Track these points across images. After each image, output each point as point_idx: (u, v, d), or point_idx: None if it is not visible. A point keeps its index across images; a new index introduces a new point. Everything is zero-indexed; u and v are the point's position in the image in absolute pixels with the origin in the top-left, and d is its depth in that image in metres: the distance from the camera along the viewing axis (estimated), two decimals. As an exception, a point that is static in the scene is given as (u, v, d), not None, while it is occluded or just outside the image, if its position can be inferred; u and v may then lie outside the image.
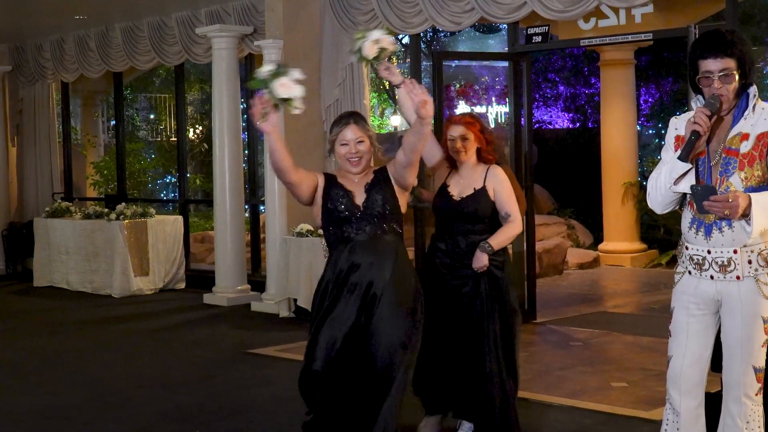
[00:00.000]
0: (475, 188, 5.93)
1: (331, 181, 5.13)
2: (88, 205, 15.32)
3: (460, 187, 5.97)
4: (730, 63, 4.35)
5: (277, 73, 4.71)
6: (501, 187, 5.96)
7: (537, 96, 19.89)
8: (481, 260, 5.80)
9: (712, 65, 4.37)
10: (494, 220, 5.97)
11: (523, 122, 10.54)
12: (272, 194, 11.42)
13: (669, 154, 4.50)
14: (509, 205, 5.94)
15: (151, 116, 22.27)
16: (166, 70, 19.55)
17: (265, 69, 4.73)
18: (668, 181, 4.43)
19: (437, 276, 5.90)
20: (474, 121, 6.04)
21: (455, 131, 5.98)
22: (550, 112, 20.41)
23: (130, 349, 9.81)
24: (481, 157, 6.03)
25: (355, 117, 5.18)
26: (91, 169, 17.77)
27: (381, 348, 4.93)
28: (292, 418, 6.52)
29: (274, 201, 11.42)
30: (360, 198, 5.06)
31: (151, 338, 10.37)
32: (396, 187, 5.11)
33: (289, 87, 4.70)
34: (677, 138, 4.51)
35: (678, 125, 4.54)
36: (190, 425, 6.95)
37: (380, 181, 5.11)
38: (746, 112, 4.42)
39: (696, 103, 4.51)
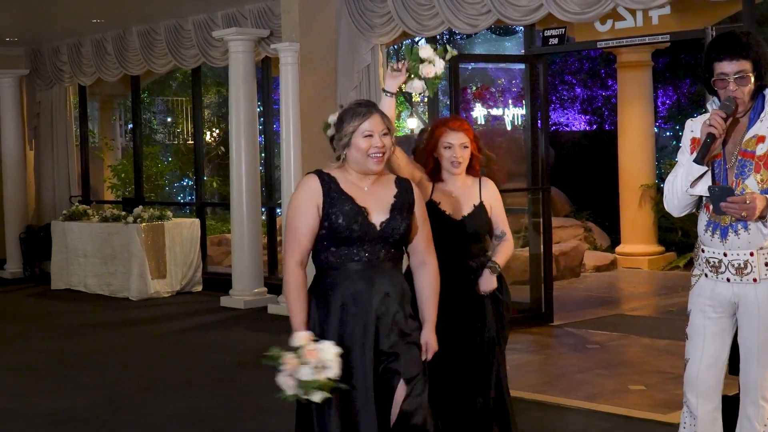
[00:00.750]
0: (474, 204, 5.27)
1: (332, 188, 4.27)
2: (106, 208, 15.38)
3: (453, 204, 5.26)
4: (746, 65, 4.33)
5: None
6: (497, 202, 5.38)
7: (553, 98, 19.86)
8: (491, 283, 5.21)
9: (727, 67, 4.35)
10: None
11: (539, 124, 10.51)
12: (288, 197, 11.40)
13: (685, 157, 4.48)
14: (505, 223, 5.38)
15: (168, 119, 22.32)
16: (183, 74, 19.58)
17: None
18: (684, 184, 4.41)
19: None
20: (470, 127, 5.30)
21: (455, 138, 5.21)
22: (567, 114, 20.38)
23: (147, 352, 9.85)
24: (470, 168, 5.32)
25: (376, 106, 4.41)
26: (108, 172, 17.81)
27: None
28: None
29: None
30: (377, 216, 4.26)
31: (167, 341, 10.40)
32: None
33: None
34: (693, 140, 4.48)
35: (694, 128, 4.52)
36: (205, 428, 6.97)
37: (405, 204, 4.36)
38: (762, 114, 4.40)
39: (712, 105, 4.49)
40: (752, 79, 4.35)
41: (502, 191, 5.52)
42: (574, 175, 17.70)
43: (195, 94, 14.96)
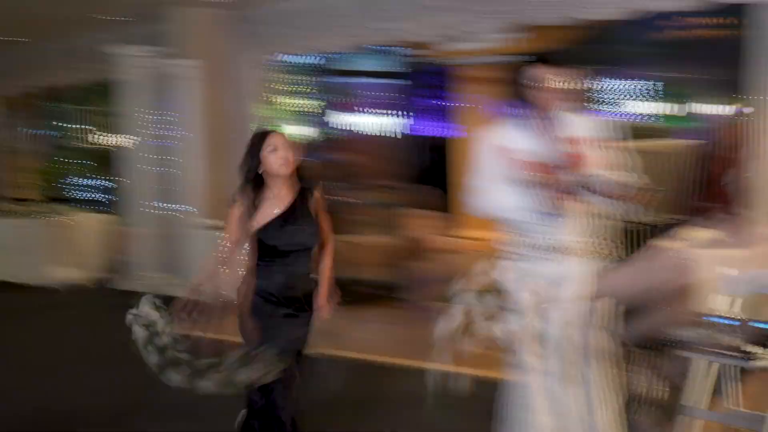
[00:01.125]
0: None
1: None
2: (10, 207, 15.17)
3: None
4: (551, 75, 4.69)
5: None
6: None
7: (414, 108, 20.85)
8: None
9: (534, 73, 4.72)
10: None
11: (402, 133, 11.32)
12: (185, 195, 12.09)
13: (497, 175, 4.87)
14: None
15: (71, 126, 22.00)
16: (84, 86, 19.35)
17: None
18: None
19: None
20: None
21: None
22: (424, 123, 21.38)
23: (49, 349, 9.46)
24: None
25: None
26: (15, 174, 17.74)
27: None
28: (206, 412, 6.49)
29: (187, 200, 12.14)
30: None
31: (68, 337, 9.98)
32: None
33: None
34: (506, 149, 4.87)
35: (501, 135, 4.99)
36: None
37: None
38: (556, 132, 4.82)
39: (512, 118, 4.95)
40: (552, 91, 4.69)
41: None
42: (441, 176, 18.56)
43: (95, 104, 15.42)
